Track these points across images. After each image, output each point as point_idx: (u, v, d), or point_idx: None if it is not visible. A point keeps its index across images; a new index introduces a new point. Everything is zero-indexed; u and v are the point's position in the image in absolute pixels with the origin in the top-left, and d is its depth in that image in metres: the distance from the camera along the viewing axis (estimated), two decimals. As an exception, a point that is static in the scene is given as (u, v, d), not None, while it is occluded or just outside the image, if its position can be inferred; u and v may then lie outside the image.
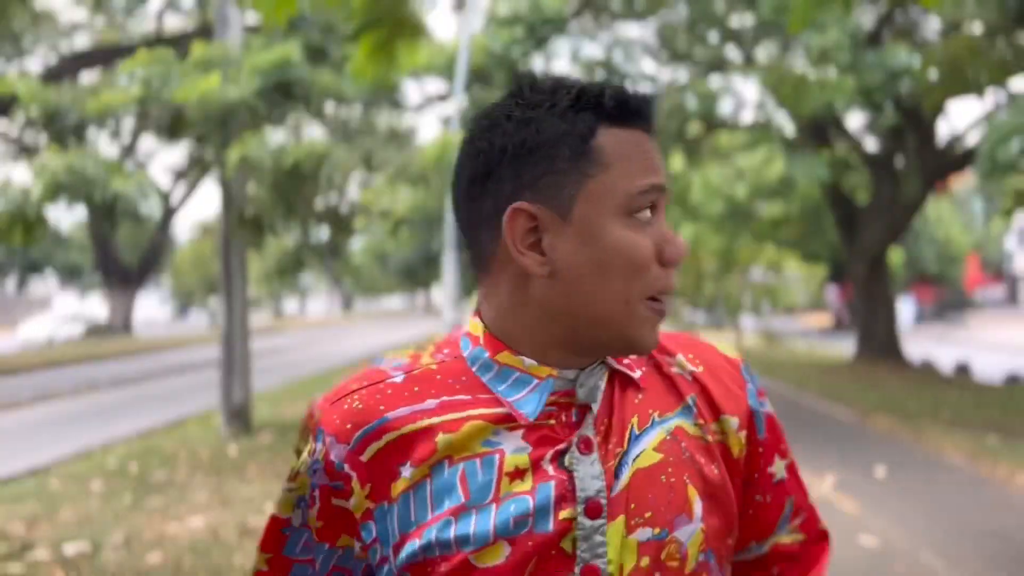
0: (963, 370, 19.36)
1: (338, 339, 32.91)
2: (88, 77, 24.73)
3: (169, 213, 33.25)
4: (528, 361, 0.84)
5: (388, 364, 0.90)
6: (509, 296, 0.84)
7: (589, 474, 0.81)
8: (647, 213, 0.83)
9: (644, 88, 0.90)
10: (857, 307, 19.81)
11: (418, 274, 36.49)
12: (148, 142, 31.20)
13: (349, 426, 0.85)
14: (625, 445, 0.84)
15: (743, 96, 15.74)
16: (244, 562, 4.87)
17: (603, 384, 0.86)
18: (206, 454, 8.60)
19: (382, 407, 0.85)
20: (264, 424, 10.43)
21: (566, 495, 0.81)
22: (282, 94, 8.26)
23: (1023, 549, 5.47)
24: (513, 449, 0.82)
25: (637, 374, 0.89)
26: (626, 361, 0.89)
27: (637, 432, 0.85)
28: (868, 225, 17.87)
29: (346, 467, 0.85)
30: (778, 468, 1.00)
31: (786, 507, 1.01)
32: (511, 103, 0.84)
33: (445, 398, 0.85)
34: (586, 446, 0.82)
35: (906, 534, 5.79)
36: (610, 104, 0.82)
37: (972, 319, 43.46)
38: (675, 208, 23.31)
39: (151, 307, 53.12)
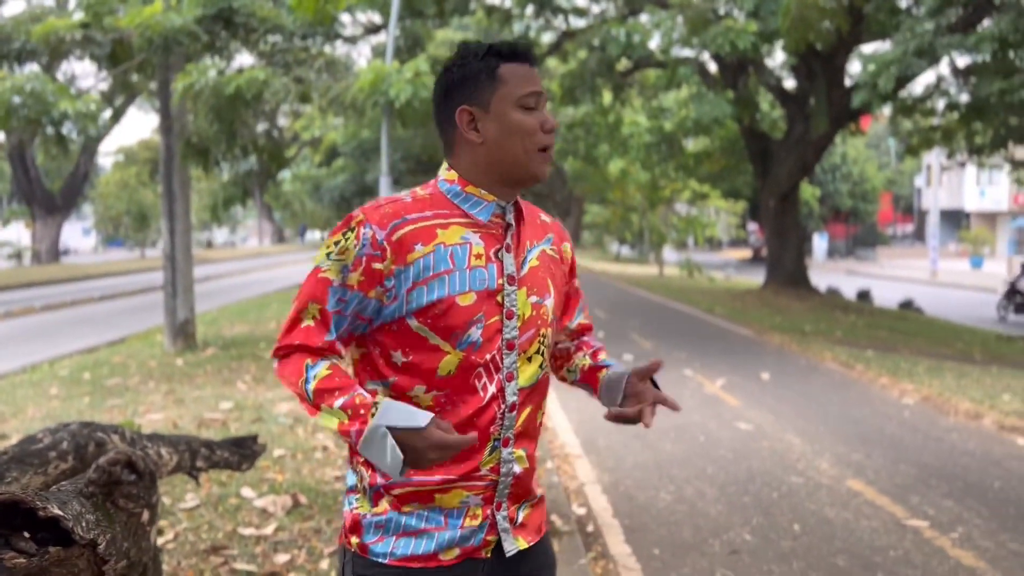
0: (864, 297, 20.89)
1: (269, 269, 33.08)
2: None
3: (94, 140, 32.45)
4: (483, 191, 1.53)
5: (397, 194, 1.62)
6: (468, 158, 1.53)
7: (509, 263, 1.53)
8: (530, 105, 1.52)
9: (530, 45, 1.59)
10: (767, 239, 20.99)
11: (352, 205, 36.53)
12: (65, 67, 30.19)
13: (386, 220, 1.47)
14: (524, 253, 1.57)
15: (671, 34, 16.27)
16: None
17: (513, 213, 1.60)
18: (154, 365, 9.15)
19: (402, 211, 1.49)
20: (207, 341, 10.97)
21: (500, 272, 1.52)
22: (223, 23, 8.61)
23: (870, 430, 6.53)
24: (475, 243, 1.51)
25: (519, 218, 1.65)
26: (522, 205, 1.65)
27: (530, 248, 1.59)
28: (780, 160, 18.92)
29: (384, 242, 1.46)
30: (576, 282, 1.77)
31: (580, 303, 1.81)
32: (459, 55, 1.55)
33: (435, 211, 1.51)
34: (508, 249, 1.54)
35: (776, 421, 6.81)
36: (506, 51, 1.52)
37: (882, 254, 45.79)
38: (604, 142, 24.05)
39: (75, 236, 51.83)
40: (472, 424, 1.50)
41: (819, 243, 42.92)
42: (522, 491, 1.60)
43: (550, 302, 1.61)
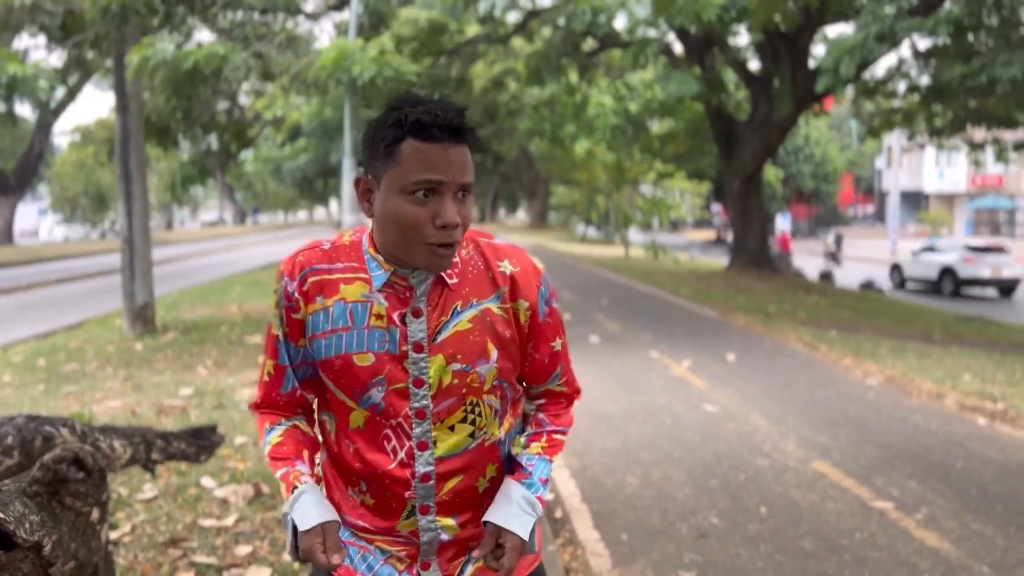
0: (826, 278, 21.15)
1: (231, 250, 32.58)
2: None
3: (48, 118, 31.65)
4: (380, 258, 1.42)
5: (325, 238, 1.55)
6: (371, 224, 1.45)
7: (416, 329, 1.42)
8: (420, 195, 1.34)
9: (451, 116, 1.35)
10: (732, 220, 21.10)
11: (314, 185, 36.10)
12: (16, 44, 29.32)
13: (296, 271, 1.45)
14: (449, 316, 1.43)
15: (636, 13, 16.26)
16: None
17: (431, 279, 1.42)
18: (112, 350, 8.93)
19: (313, 261, 1.46)
20: (167, 325, 10.74)
21: (405, 337, 1.42)
22: (179, -4, 8.34)
23: (835, 411, 6.58)
24: (378, 302, 1.42)
25: (454, 280, 1.44)
26: (448, 271, 1.43)
27: (460, 310, 1.43)
28: (745, 142, 18.98)
29: (296, 294, 1.45)
30: (556, 344, 1.55)
31: (558, 369, 1.58)
32: (385, 111, 1.41)
33: (346, 263, 1.45)
34: (416, 314, 1.42)
35: (742, 402, 6.83)
36: (414, 127, 1.34)
37: (843, 234, 46.34)
38: (570, 123, 23.96)
39: (30, 217, 50.60)
40: (386, 484, 1.48)
41: (782, 224, 43.31)
42: (461, 551, 1.53)
43: (485, 368, 1.45)
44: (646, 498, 4.62)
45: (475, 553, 1.46)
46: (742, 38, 19.59)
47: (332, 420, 1.54)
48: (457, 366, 1.43)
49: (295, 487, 1.46)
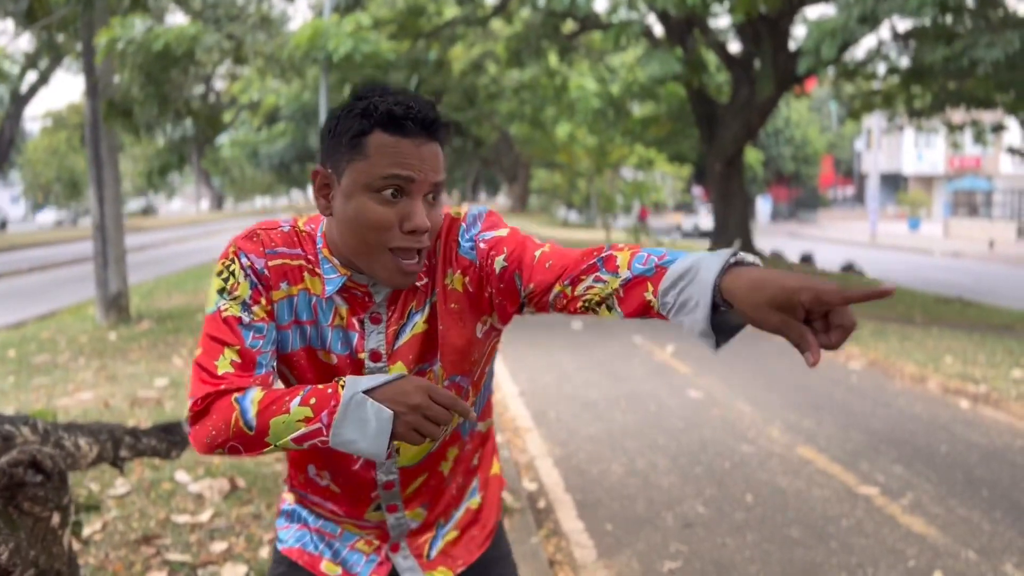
0: (807, 259, 21.20)
1: (208, 237, 32.20)
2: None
3: (19, 103, 31.06)
4: (336, 261, 1.29)
5: (279, 219, 1.39)
6: (324, 221, 1.31)
7: (374, 335, 1.30)
8: (388, 193, 1.20)
9: (426, 109, 1.21)
10: (713, 202, 21.06)
11: (292, 170, 35.69)
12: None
13: (261, 247, 1.29)
14: (405, 318, 1.31)
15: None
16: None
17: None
18: (86, 340, 8.75)
19: (276, 241, 1.30)
20: (141, 313, 10.55)
21: (362, 344, 1.30)
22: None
23: (819, 396, 6.55)
24: (339, 302, 1.30)
25: (422, 281, 1.31)
26: None
27: (415, 311, 1.31)
28: (726, 124, 18.92)
29: (266, 271, 1.29)
30: (538, 252, 1.26)
31: (559, 271, 1.22)
32: (349, 99, 1.26)
33: (308, 253, 1.31)
34: (374, 320, 1.30)
35: (726, 389, 6.78)
36: (383, 118, 1.20)
37: (823, 216, 46.60)
38: (551, 106, 23.80)
39: (2, 204, 49.80)
40: (352, 483, 1.40)
41: (763, 206, 43.46)
42: (429, 527, 1.49)
43: (438, 365, 1.34)
44: (631, 487, 4.55)
45: (810, 357, 0.96)
46: (723, 20, 19.56)
47: None
48: (418, 367, 1.33)
49: (338, 379, 1.19)
